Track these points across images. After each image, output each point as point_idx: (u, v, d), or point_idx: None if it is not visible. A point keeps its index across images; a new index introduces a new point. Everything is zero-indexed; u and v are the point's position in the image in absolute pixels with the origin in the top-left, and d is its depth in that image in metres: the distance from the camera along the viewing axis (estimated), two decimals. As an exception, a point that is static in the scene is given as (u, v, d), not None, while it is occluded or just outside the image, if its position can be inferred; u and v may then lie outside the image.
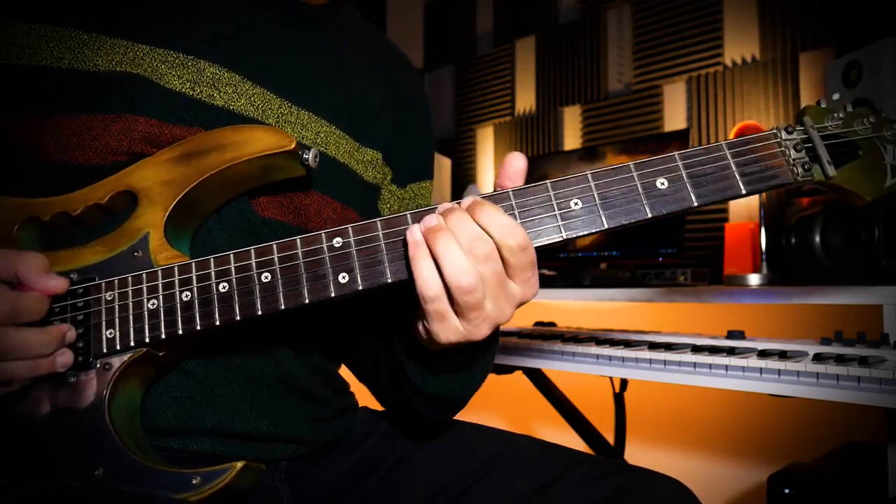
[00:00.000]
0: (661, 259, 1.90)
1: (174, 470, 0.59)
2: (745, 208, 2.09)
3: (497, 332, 0.65)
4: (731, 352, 1.17)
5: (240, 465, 0.59)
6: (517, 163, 0.60)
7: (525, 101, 2.79)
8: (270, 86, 0.73)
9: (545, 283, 1.97)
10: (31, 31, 0.65)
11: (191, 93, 0.68)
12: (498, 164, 2.27)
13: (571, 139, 2.61)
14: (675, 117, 2.29)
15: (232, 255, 0.61)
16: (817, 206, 1.45)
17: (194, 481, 0.58)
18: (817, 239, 1.44)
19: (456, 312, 0.57)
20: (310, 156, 0.66)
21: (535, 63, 2.76)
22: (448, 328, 0.57)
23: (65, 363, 0.60)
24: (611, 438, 1.82)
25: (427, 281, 0.55)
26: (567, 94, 2.63)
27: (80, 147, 0.64)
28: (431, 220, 0.56)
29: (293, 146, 0.65)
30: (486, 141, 2.94)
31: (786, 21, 2.02)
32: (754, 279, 1.64)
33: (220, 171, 0.65)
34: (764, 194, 1.79)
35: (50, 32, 0.65)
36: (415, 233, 0.56)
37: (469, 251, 0.54)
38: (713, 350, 1.19)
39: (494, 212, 0.56)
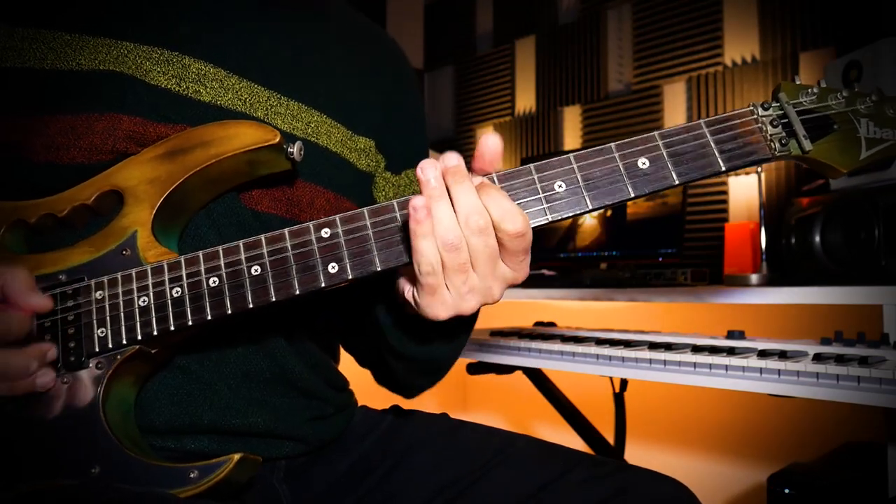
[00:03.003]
0: (661, 259, 1.90)
1: (171, 465, 0.59)
2: (745, 208, 2.08)
3: (476, 313, 0.66)
4: (731, 352, 1.17)
5: (237, 457, 0.59)
6: (492, 141, 0.61)
7: (525, 101, 2.79)
8: (257, 78, 0.72)
9: (545, 283, 1.97)
10: (14, 34, 0.65)
11: (177, 89, 0.68)
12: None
13: (571, 139, 2.60)
14: (675, 117, 2.29)
15: (221, 250, 0.62)
16: (817, 206, 1.45)
17: (192, 475, 0.58)
18: (817, 239, 1.43)
19: (444, 276, 0.58)
20: (294, 149, 0.66)
21: (535, 63, 2.76)
22: (437, 302, 0.58)
23: (44, 384, 0.59)
24: (611, 438, 1.82)
25: (425, 253, 0.56)
26: (567, 94, 2.63)
27: (65, 146, 0.64)
28: (430, 174, 0.56)
29: (277, 140, 0.64)
30: (485, 141, 2.93)
31: (786, 21, 2.02)
32: (754, 279, 1.63)
33: (205, 168, 0.64)
34: (764, 194, 1.79)
35: (33, 34, 0.65)
36: (416, 199, 0.56)
37: (465, 222, 0.56)
38: (713, 350, 1.19)
39: (500, 196, 0.57)
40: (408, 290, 0.62)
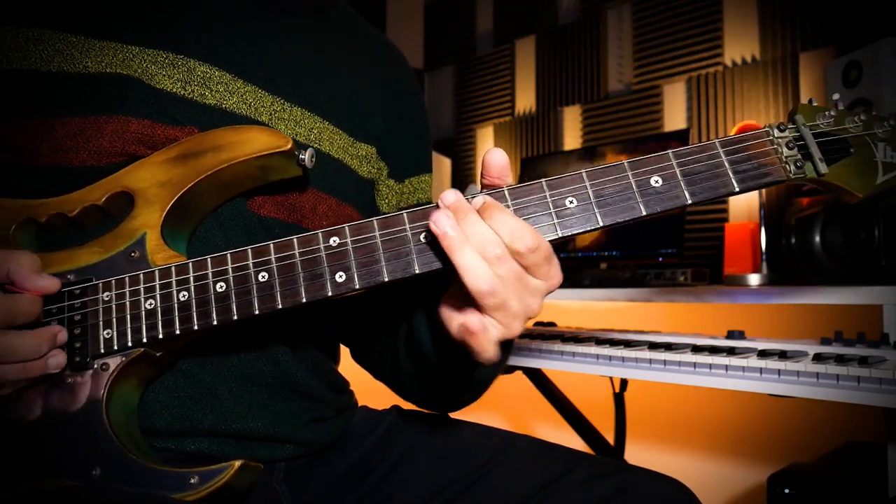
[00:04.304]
0: (661, 259, 1.90)
1: (172, 469, 0.59)
2: (745, 208, 2.08)
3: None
4: (731, 352, 1.17)
5: (238, 463, 0.59)
6: (497, 158, 0.60)
7: (525, 101, 2.79)
8: (262, 83, 0.73)
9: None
10: (20, 35, 0.65)
11: (182, 92, 0.68)
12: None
13: (571, 139, 2.60)
14: (675, 117, 2.29)
15: (229, 255, 0.61)
16: (817, 206, 1.45)
17: (192, 480, 0.58)
18: (817, 239, 1.43)
19: (483, 313, 0.57)
20: (306, 156, 0.66)
21: (535, 63, 2.76)
22: (487, 340, 0.57)
23: (57, 364, 0.60)
24: (611, 438, 1.82)
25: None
26: (567, 94, 2.63)
27: (73, 149, 0.64)
28: (445, 225, 0.55)
29: (289, 146, 0.65)
30: (486, 141, 2.94)
31: (786, 21, 2.02)
32: (754, 279, 1.63)
33: (216, 172, 0.65)
34: (764, 194, 1.79)
35: (38, 35, 0.65)
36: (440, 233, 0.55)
37: (483, 255, 0.55)
38: (713, 350, 1.19)
39: (503, 215, 0.56)
40: (454, 326, 0.60)
